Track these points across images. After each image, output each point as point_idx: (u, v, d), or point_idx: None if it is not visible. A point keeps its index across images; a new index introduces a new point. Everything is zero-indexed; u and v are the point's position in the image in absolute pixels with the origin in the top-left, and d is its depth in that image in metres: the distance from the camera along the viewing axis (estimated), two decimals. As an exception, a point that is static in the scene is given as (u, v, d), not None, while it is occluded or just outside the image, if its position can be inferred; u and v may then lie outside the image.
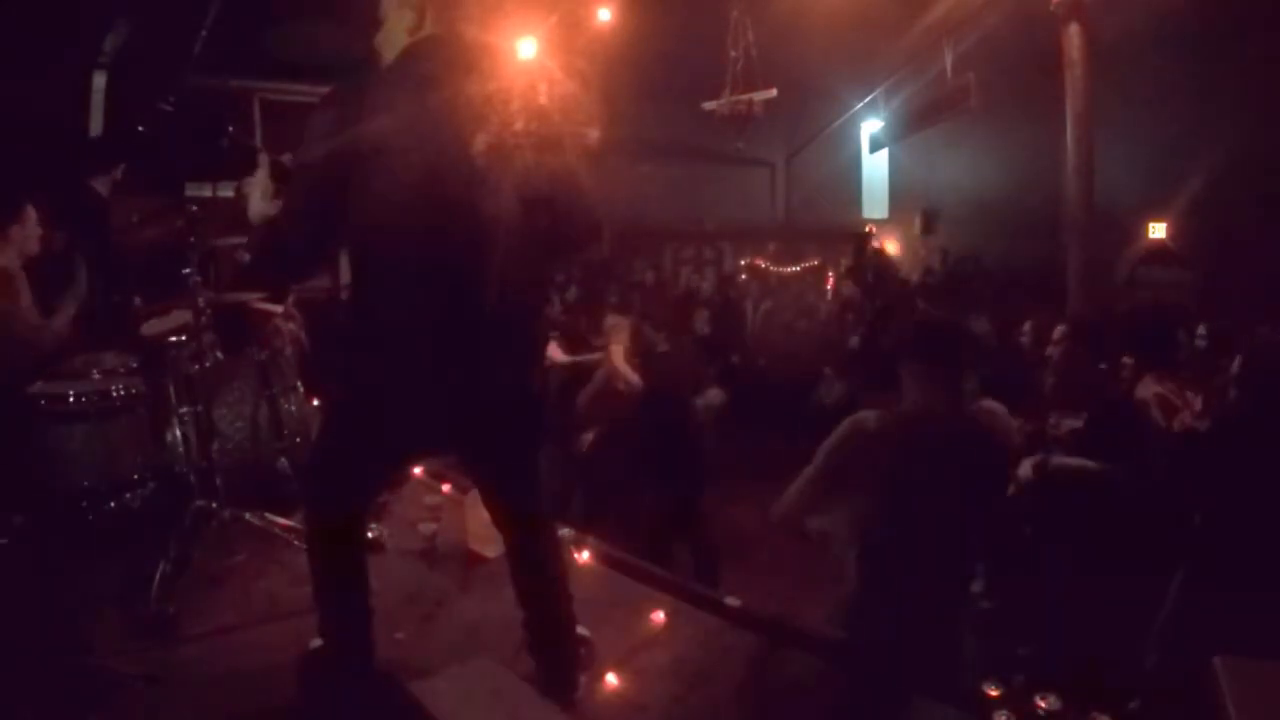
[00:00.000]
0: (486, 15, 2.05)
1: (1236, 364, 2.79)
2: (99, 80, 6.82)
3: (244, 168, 2.29)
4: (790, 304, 10.19)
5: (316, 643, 2.29)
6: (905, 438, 2.49)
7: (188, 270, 3.26)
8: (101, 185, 4.37)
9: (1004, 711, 2.02)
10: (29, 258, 3.57)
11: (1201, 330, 4.72)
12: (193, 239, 3.27)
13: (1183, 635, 2.51)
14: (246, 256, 4.42)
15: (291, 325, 5.09)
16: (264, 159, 2.15)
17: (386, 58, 2.04)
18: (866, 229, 13.73)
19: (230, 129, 2.21)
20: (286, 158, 2.16)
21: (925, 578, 2.42)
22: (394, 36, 2.03)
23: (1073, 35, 6.54)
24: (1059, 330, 4.00)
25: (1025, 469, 3.18)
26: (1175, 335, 4.06)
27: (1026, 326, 5.47)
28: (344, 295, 5.49)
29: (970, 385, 2.92)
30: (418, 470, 4.15)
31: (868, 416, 2.56)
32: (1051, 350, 3.97)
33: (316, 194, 1.99)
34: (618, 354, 4.27)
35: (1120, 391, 3.63)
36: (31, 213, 3.59)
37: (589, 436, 4.45)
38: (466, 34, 2.02)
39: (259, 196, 2.13)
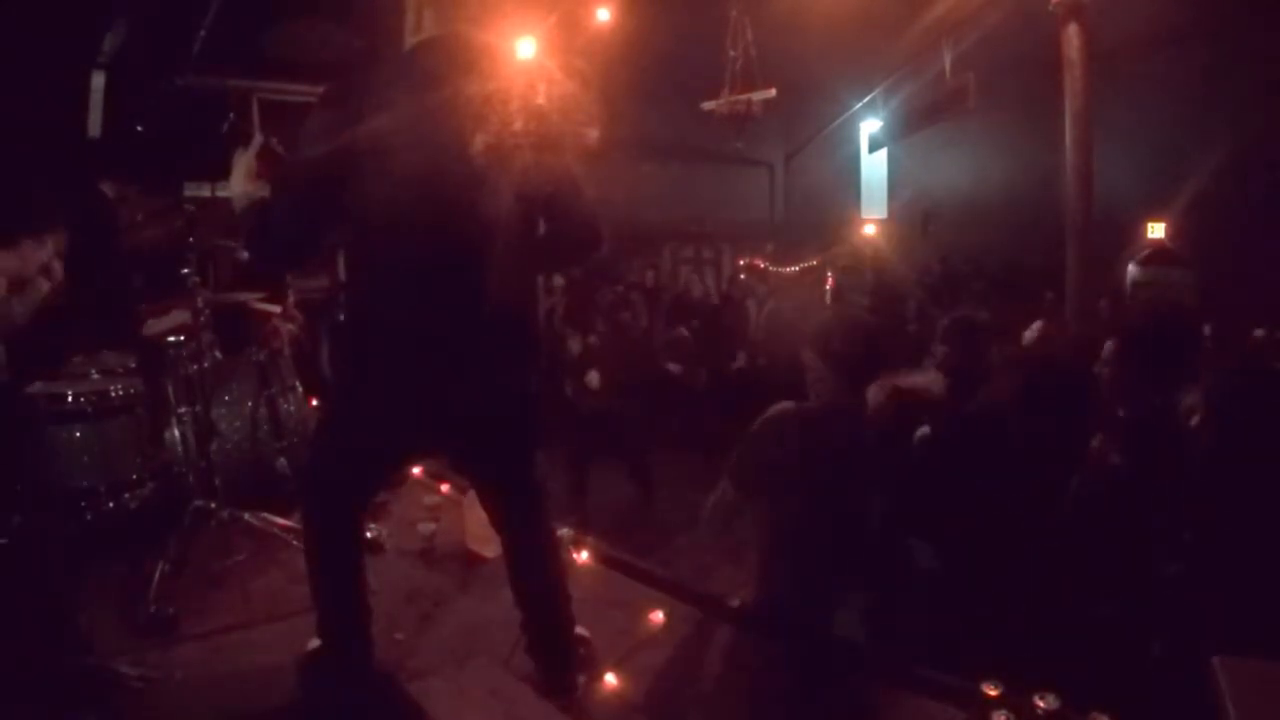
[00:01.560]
0: (487, 15, 2.04)
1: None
2: (97, 80, 6.81)
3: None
4: (791, 303, 10.18)
5: (315, 643, 2.29)
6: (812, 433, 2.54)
7: (186, 270, 3.26)
8: (108, 187, 4.37)
9: (1003, 711, 2.01)
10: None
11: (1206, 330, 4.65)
12: (191, 239, 3.27)
13: (1181, 632, 2.51)
14: (244, 254, 4.41)
15: (292, 326, 5.08)
16: (257, 138, 2.14)
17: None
18: (864, 229, 13.73)
19: (232, 115, 2.20)
20: (274, 141, 2.15)
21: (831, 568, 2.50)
22: (408, 32, 2.04)
23: (1072, 35, 6.53)
24: (1108, 346, 3.47)
25: None
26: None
27: (1035, 326, 5.22)
28: (341, 295, 5.48)
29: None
30: (416, 470, 4.16)
31: (786, 408, 2.61)
32: (1099, 369, 3.45)
33: (313, 188, 1.99)
34: None
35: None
36: (49, 243, 3.58)
37: None
38: (467, 34, 2.02)
39: (241, 175, 2.12)
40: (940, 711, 2.23)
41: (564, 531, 3.05)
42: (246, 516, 3.29)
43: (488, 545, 3.08)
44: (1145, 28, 8.08)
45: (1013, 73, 8.66)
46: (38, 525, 3.11)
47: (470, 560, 3.22)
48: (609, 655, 2.46)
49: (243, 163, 2.13)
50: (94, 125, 6.78)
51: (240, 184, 2.12)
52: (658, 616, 2.74)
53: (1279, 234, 8.11)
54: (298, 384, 4.09)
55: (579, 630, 2.38)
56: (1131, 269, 10.60)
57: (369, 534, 3.15)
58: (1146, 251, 10.61)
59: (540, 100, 2.01)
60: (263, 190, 2.09)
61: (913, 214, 13.27)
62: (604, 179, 2.15)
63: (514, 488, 2.25)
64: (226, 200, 2.19)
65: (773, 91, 7.38)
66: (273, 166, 2.11)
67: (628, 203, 10.27)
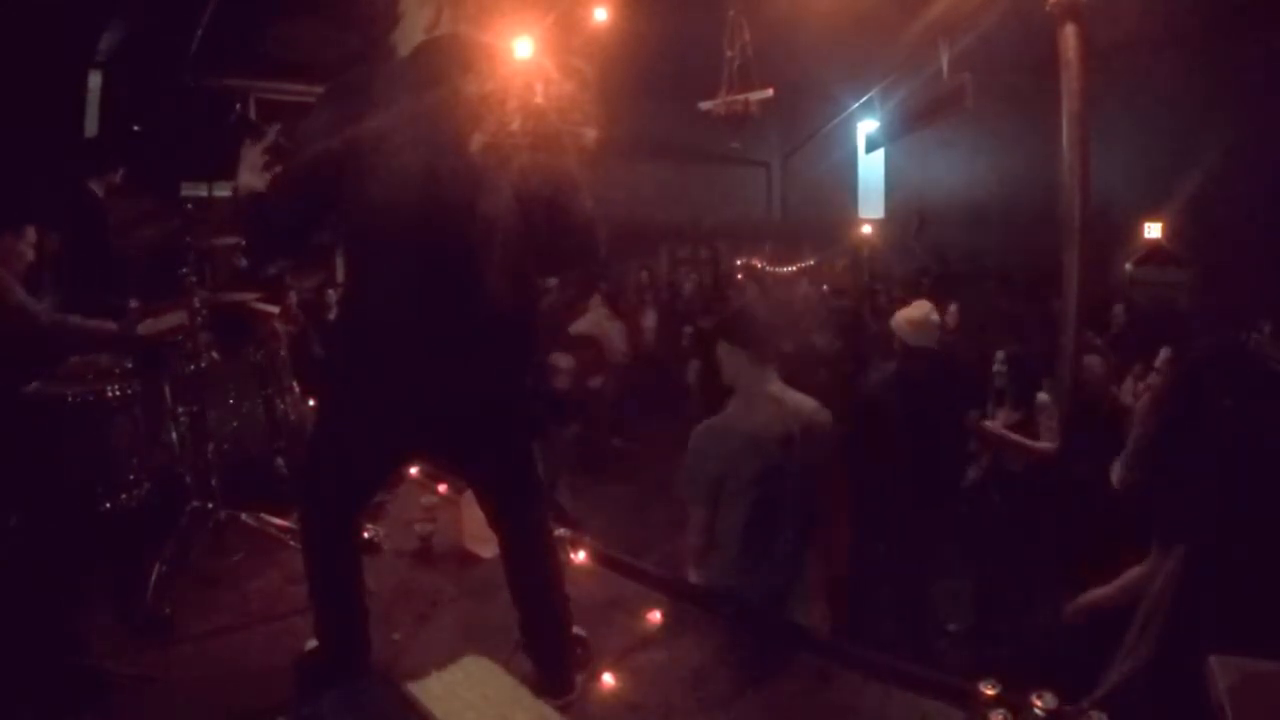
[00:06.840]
0: (499, 16, 2.05)
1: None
2: (94, 80, 6.79)
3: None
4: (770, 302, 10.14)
5: (312, 643, 2.29)
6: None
7: (183, 270, 3.25)
8: (97, 186, 4.36)
9: (1001, 710, 2.01)
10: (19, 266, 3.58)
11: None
12: (188, 239, 3.26)
13: (1176, 633, 2.51)
14: (243, 262, 4.40)
15: (291, 328, 5.07)
16: (270, 133, 2.15)
17: (402, 54, 2.04)
18: (861, 229, 13.74)
19: (239, 105, 2.21)
20: (279, 129, 2.16)
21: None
22: (411, 33, 2.04)
23: (1069, 36, 6.49)
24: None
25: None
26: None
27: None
28: (337, 295, 5.47)
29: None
30: (414, 471, 4.15)
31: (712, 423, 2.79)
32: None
33: (309, 184, 1.99)
34: None
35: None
36: (31, 233, 3.60)
37: None
38: (478, 34, 2.02)
39: (248, 168, 2.13)
40: (940, 711, 2.23)
41: (561, 531, 3.04)
42: (244, 517, 3.28)
43: (485, 545, 3.08)
44: (1143, 28, 8.07)
45: (1010, 73, 8.66)
46: (35, 525, 3.11)
47: (467, 560, 3.21)
48: (606, 655, 2.47)
49: (251, 155, 2.13)
50: (90, 125, 6.76)
51: (247, 175, 2.12)
52: (655, 616, 2.74)
53: (1275, 234, 8.13)
54: (295, 385, 4.08)
55: (576, 630, 2.38)
56: (1128, 269, 10.63)
57: (366, 534, 3.14)
58: (1143, 251, 10.63)
59: (538, 100, 2.01)
60: (265, 183, 2.10)
61: (909, 214, 13.27)
62: (601, 179, 2.15)
63: (511, 487, 2.25)
64: (224, 200, 2.20)
65: (770, 91, 7.38)
66: (280, 162, 2.12)
67: (625, 202, 10.27)
